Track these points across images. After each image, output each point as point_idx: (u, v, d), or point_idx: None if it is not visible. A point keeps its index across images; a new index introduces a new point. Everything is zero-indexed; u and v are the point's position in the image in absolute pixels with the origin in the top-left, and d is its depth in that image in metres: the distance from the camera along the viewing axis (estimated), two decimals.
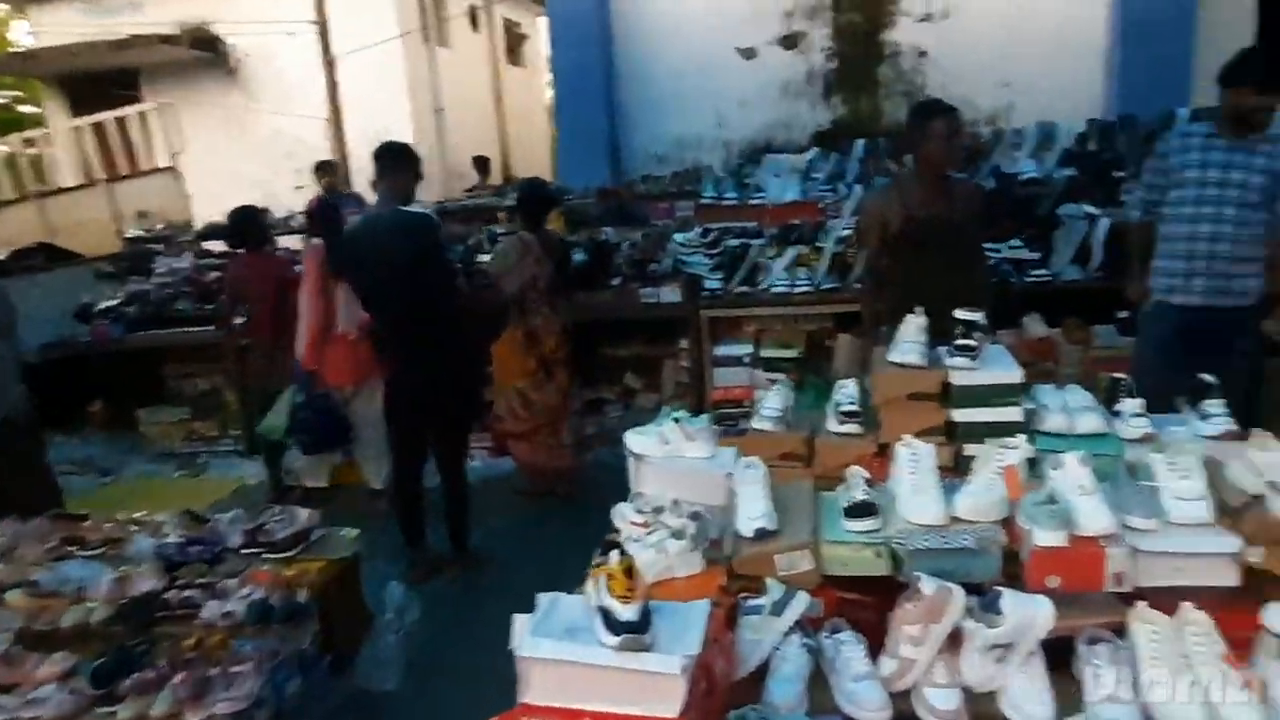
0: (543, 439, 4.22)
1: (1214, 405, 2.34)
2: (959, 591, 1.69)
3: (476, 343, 4.01)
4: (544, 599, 1.63)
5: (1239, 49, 3.32)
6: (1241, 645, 1.70)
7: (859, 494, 1.95)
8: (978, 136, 5.14)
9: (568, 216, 5.62)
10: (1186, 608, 1.70)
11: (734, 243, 4.53)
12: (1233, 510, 1.77)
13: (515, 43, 14.42)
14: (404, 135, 10.05)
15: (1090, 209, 4.01)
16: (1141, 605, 1.72)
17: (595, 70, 7.67)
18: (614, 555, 1.49)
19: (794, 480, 2.31)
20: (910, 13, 7.19)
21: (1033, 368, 4.26)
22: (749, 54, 7.72)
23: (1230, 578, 1.73)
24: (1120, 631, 1.73)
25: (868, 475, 2.04)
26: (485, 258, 4.81)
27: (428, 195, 8.96)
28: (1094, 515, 1.72)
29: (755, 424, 2.62)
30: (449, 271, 3.51)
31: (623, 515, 2.11)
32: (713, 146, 7.71)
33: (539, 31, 13.60)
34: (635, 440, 2.51)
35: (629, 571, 1.46)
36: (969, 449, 2.24)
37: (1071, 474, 1.80)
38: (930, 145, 3.00)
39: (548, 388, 4.14)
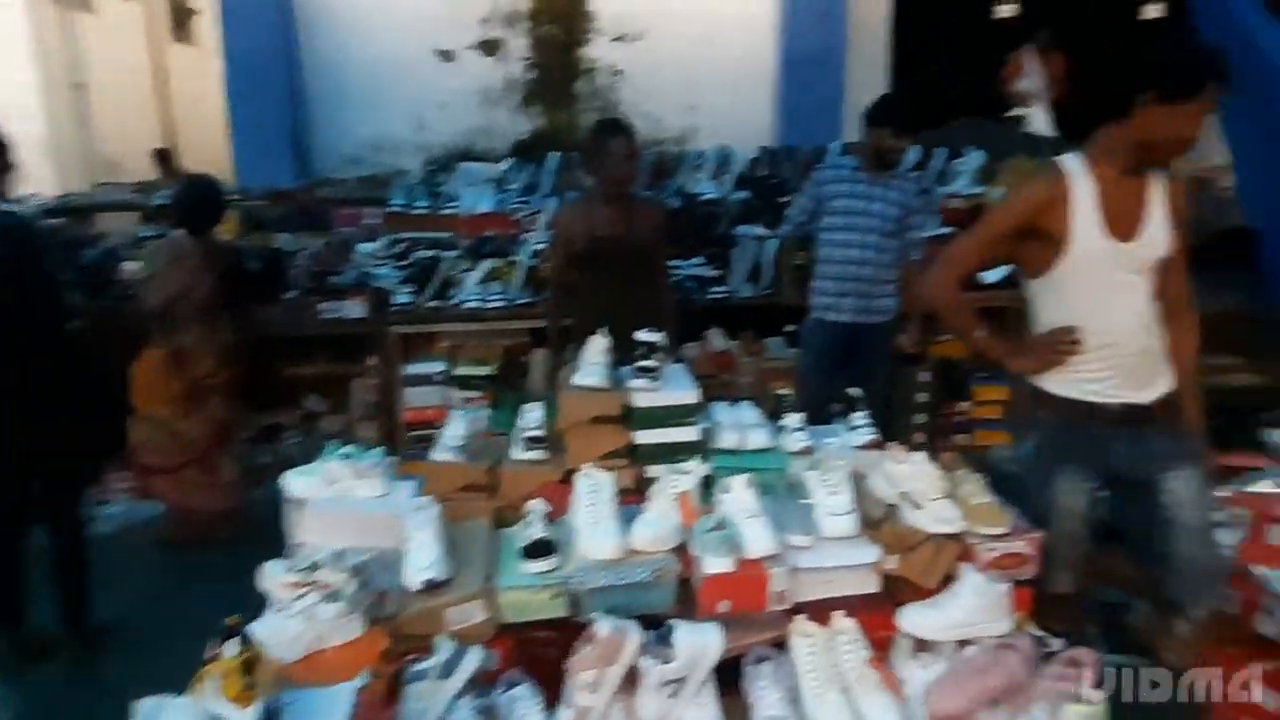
0: (194, 476, 3.63)
1: (860, 417, 2.57)
2: (634, 630, 1.64)
3: (107, 365, 3.34)
4: (145, 707, 1.31)
5: (879, 94, 3.76)
6: (883, 645, 1.85)
7: (537, 530, 1.85)
8: (666, 156, 5.38)
9: (242, 220, 4.98)
10: (838, 616, 1.80)
11: (425, 254, 4.28)
12: (874, 521, 1.92)
13: (183, 17, 12.73)
14: (31, 111, 8.41)
15: (761, 230, 4.34)
16: (800, 619, 1.79)
17: (275, 57, 6.94)
18: (230, 646, 1.22)
19: (477, 515, 2.16)
20: (605, 31, 7.39)
21: (715, 379, 4.56)
22: (447, 56, 7.47)
23: (872, 585, 1.86)
24: (784, 645, 1.80)
25: (548, 508, 1.94)
26: (135, 264, 4.09)
27: (65, 186, 7.57)
28: (758, 538, 1.76)
29: (436, 454, 2.43)
30: (52, 283, 2.85)
31: (272, 576, 1.81)
32: (411, 150, 7.35)
33: (212, 6, 12.17)
34: (296, 482, 2.21)
35: (248, 665, 1.21)
36: (652, 471, 2.24)
37: (738, 497, 1.84)
38: (608, 164, 3.02)
39: (197, 417, 3.58)
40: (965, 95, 7.41)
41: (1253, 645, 2.11)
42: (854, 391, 2.67)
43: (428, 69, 7.43)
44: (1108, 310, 1.99)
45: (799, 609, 1.83)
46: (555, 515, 1.99)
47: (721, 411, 2.56)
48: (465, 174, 4.87)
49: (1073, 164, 1.98)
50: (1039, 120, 6.69)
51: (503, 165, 5.01)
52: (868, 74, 7.21)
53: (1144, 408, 2.02)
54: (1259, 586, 2.06)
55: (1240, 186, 5.13)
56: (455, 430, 2.45)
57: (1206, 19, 4.37)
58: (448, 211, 4.59)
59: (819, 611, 1.83)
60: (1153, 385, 2.04)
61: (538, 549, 1.79)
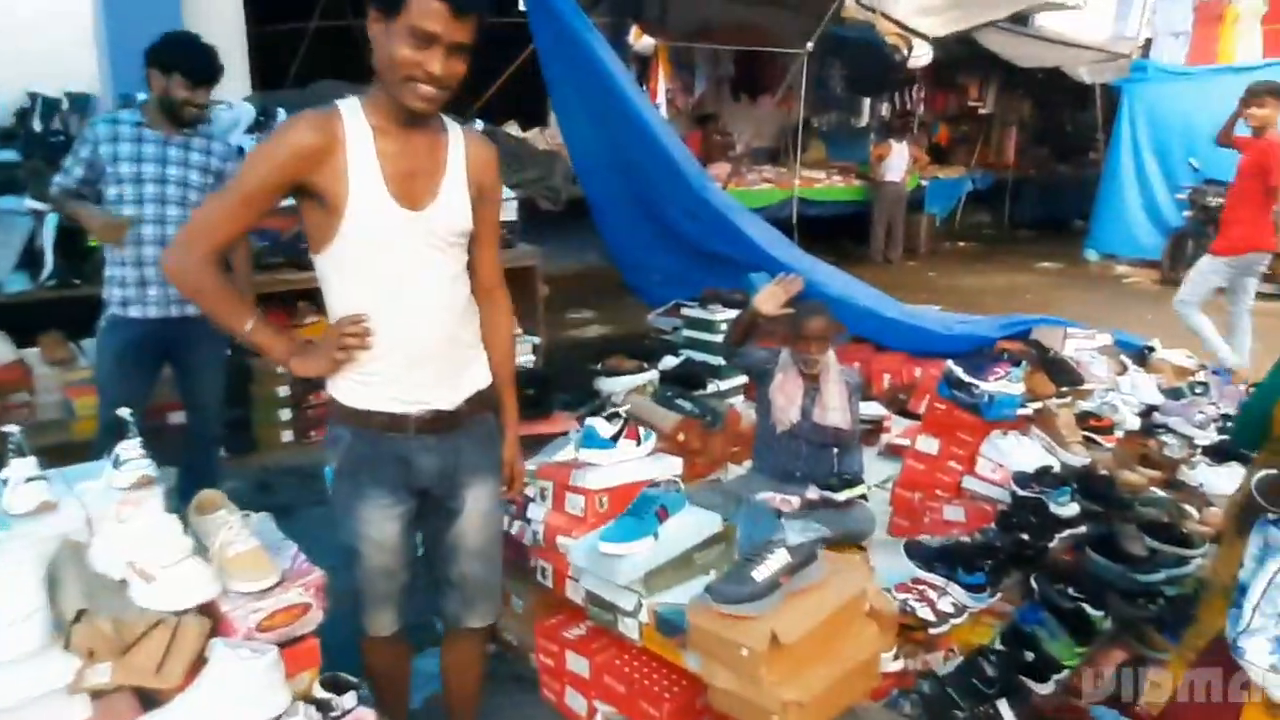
0: None
1: (129, 448, 1.94)
2: None
3: None
4: None
5: (211, 43, 2.99)
6: None
7: None
8: None
9: None
10: None
11: None
12: (69, 619, 1.35)
13: None
14: None
15: (37, 204, 3.30)
16: None
17: None
18: None
19: None
20: None
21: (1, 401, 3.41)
22: None
23: (79, 712, 1.32)
24: None
25: None
26: None
27: None
28: None
29: None
30: None
31: None
32: None
33: None
34: None
35: None
36: None
37: None
38: None
39: None
40: (333, 58, 6.99)
41: (569, 611, 2.14)
42: (123, 413, 2.04)
43: None
44: (402, 293, 1.67)
45: None
46: None
47: None
48: None
49: (347, 108, 1.62)
50: None
51: None
52: (215, 22, 6.28)
53: (453, 413, 1.75)
54: (563, 556, 2.07)
55: (574, 162, 5.69)
56: None
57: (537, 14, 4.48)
58: None
59: None
60: (463, 383, 1.78)
61: None
